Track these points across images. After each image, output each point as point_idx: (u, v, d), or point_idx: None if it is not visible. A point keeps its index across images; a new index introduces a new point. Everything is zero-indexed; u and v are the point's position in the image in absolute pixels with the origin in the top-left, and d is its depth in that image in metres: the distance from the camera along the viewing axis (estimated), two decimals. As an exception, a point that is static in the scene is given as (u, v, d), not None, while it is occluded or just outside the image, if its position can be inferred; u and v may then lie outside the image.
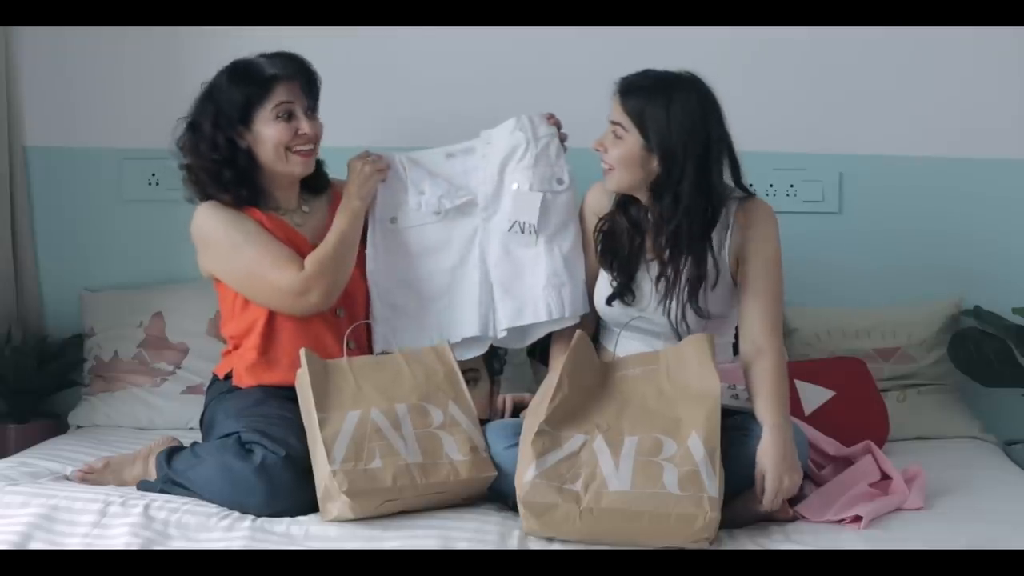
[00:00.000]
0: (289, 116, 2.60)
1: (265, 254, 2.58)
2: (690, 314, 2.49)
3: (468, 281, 2.67)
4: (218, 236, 2.61)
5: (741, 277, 2.52)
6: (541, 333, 2.66)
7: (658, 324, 2.54)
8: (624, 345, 2.54)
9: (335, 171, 2.78)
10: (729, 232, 2.51)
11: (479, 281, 2.66)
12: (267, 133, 2.59)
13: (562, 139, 2.67)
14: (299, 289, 2.56)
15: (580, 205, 2.68)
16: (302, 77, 2.63)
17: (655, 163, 2.46)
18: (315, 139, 2.64)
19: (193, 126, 2.62)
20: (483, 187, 2.67)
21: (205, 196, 2.64)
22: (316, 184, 2.74)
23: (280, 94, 2.58)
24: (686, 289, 2.49)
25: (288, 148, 2.60)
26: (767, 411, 2.37)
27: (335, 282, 2.59)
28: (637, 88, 2.48)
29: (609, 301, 2.57)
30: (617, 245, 2.58)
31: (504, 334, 2.66)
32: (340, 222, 2.62)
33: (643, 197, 2.54)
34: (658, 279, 2.51)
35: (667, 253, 2.49)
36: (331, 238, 2.61)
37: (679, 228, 2.46)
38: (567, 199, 2.64)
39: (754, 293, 2.49)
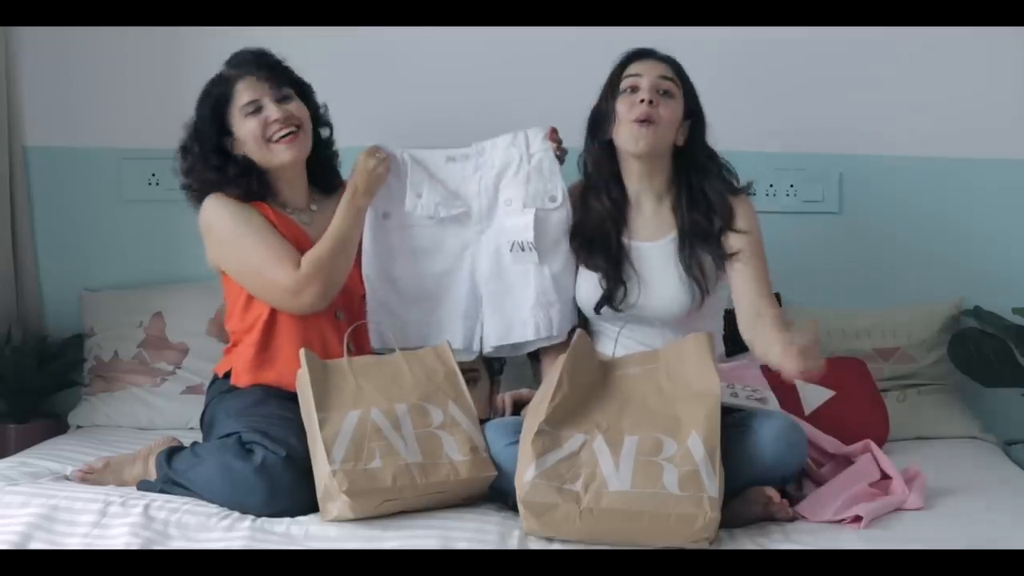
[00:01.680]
0: (257, 110, 2.61)
1: (265, 249, 2.58)
2: (703, 259, 2.57)
3: (456, 291, 2.66)
4: (223, 226, 2.62)
5: (731, 259, 2.57)
6: (531, 348, 2.67)
7: (647, 308, 2.56)
8: (620, 341, 2.56)
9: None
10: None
11: (466, 295, 2.66)
12: (242, 132, 2.62)
13: (561, 155, 2.67)
14: (293, 288, 2.56)
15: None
16: (260, 70, 2.63)
17: (683, 129, 2.62)
18: (291, 120, 2.63)
19: (184, 150, 2.67)
20: (477, 200, 2.67)
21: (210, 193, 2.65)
22: (327, 183, 2.74)
23: (242, 94, 2.61)
24: (706, 223, 2.58)
25: (267, 139, 2.61)
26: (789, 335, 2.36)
27: (330, 283, 2.58)
28: (669, 57, 2.65)
29: (598, 309, 2.61)
30: (599, 238, 2.62)
31: (492, 350, 2.66)
32: (340, 220, 2.61)
33: (648, 164, 2.62)
34: (687, 219, 2.60)
35: (691, 199, 2.62)
36: (329, 237, 2.59)
37: (712, 175, 2.63)
38: (560, 217, 2.63)
39: (744, 265, 2.55)
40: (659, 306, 2.57)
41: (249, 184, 2.63)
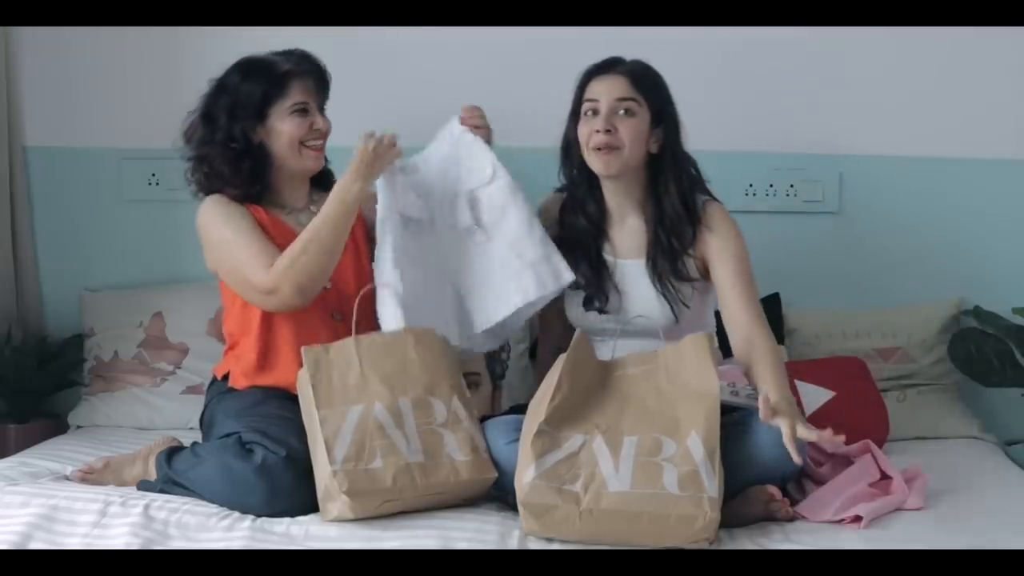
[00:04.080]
0: (304, 112, 2.62)
1: (248, 250, 2.56)
2: (673, 276, 2.56)
3: (440, 295, 2.62)
4: (214, 230, 2.62)
5: (716, 278, 2.55)
6: (519, 322, 2.64)
7: (629, 322, 2.55)
8: (605, 351, 2.55)
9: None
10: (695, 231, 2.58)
11: (451, 297, 2.62)
12: (282, 128, 2.61)
13: (485, 133, 2.64)
14: (267, 287, 2.52)
15: (538, 212, 2.69)
16: (315, 75, 2.67)
17: (655, 137, 2.57)
18: (327, 135, 2.67)
19: (207, 117, 2.63)
20: (430, 202, 2.63)
21: (211, 189, 2.65)
22: (324, 182, 2.73)
23: (296, 93, 2.62)
24: (673, 242, 2.56)
25: (302, 143, 2.63)
26: (775, 391, 2.34)
27: (304, 280, 2.50)
28: (631, 66, 2.59)
29: (585, 305, 2.61)
30: (580, 251, 2.62)
31: (482, 339, 2.63)
32: (327, 208, 2.53)
33: (623, 181, 2.59)
34: (654, 236, 2.58)
35: (659, 214, 2.59)
36: (305, 231, 2.53)
37: (679, 184, 2.58)
38: (496, 189, 2.60)
39: (732, 288, 2.52)
40: (640, 321, 2.55)
41: (251, 188, 2.62)
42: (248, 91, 2.60)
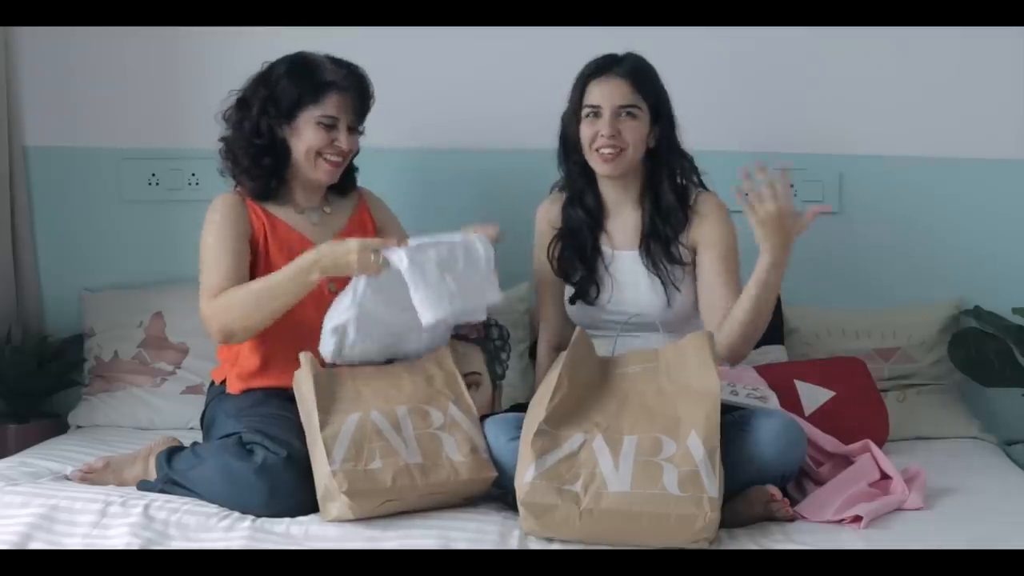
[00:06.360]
0: (331, 127, 2.61)
1: (211, 267, 2.55)
2: (665, 259, 2.61)
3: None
4: (206, 229, 2.62)
5: (700, 263, 2.62)
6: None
7: (621, 312, 2.58)
8: (601, 345, 2.56)
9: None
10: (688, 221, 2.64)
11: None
12: (305, 135, 2.62)
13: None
14: (202, 312, 2.54)
15: (535, 221, 2.76)
16: (356, 92, 2.65)
17: (654, 133, 2.63)
18: (348, 154, 2.67)
19: (242, 103, 2.65)
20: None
21: (235, 174, 2.67)
22: (342, 187, 2.74)
23: (330, 106, 2.61)
24: (667, 230, 2.62)
25: (319, 154, 2.63)
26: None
27: (237, 328, 2.49)
28: (629, 66, 2.62)
29: (572, 300, 2.66)
30: (578, 243, 2.67)
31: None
32: (282, 279, 2.46)
33: (622, 179, 2.64)
34: (649, 224, 2.64)
35: (655, 205, 2.65)
36: (256, 286, 2.49)
37: (674, 175, 2.64)
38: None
39: (715, 271, 2.59)
40: (631, 309, 2.59)
41: (267, 183, 2.65)
42: (285, 89, 2.62)
